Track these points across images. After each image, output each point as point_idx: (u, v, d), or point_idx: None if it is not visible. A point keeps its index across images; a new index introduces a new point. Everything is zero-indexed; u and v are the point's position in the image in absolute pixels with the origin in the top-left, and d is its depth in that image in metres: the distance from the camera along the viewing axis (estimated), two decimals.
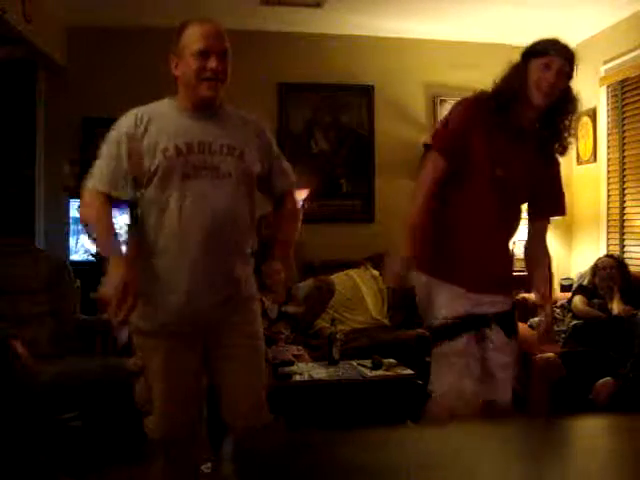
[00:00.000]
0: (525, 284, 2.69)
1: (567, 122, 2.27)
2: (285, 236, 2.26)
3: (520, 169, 2.26)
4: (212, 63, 2.00)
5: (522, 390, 3.42)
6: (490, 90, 2.28)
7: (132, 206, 2.10)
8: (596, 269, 3.93)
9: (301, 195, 4.95)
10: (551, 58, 2.16)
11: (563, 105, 2.25)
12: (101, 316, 3.86)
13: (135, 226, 2.10)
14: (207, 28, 2.03)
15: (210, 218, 2.02)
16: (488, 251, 2.28)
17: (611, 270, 3.85)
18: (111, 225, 2.03)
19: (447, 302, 2.25)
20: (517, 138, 2.25)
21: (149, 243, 2.05)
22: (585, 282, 3.95)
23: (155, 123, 2.04)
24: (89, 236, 2.17)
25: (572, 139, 2.31)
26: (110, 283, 1.89)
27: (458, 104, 2.35)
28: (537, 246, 2.43)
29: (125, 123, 2.06)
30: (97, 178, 2.05)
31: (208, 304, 2.07)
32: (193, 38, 2.01)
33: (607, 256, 4.15)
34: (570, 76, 2.22)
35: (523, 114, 2.24)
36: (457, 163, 2.25)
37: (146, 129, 2.03)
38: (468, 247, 2.25)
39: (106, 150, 2.07)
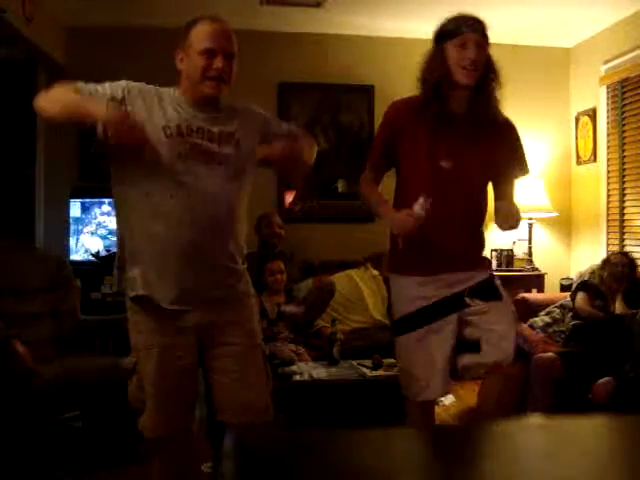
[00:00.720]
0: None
1: (492, 86, 2.21)
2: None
3: (471, 155, 2.22)
4: (218, 63, 2.00)
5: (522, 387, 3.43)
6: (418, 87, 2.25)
7: (120, 192, 2.08)
8: (607, 263, 3.86)
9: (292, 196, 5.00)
10: (466, 36, 2.15)
11: (487, 75, 2.20)
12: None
13: (125, 211, 2.07)
14: (216, 27, 2.03)
15: (203, 201, 2.00)
16: (445, 234, 2.24)
17: (623, 267, 3.79)
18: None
19: (409, 295, 2.27)
20: (460, 125, 2.22)
21: (140, 227, 2.02)
22: (594, 275, 3.90)
23: (157, 101, 2.03)
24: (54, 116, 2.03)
25: (498, 98, 2.24)
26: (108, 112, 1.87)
27: (386, 111, 2.36)
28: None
29: (130, 84, 2.03)
30: (78, 85, 1.99)
31: (201, 292, 2.05)
32: (201, 36, 2.01)
33: (620, 253, 4.08)
34: (487, 46, 2.19)
35: (457, 99, 2.21)
36: (392, 165, 2.33)
37: (145, 101, 2.01)
38: (422, 238, 2.21)
39: (101, 86, 2.02)
